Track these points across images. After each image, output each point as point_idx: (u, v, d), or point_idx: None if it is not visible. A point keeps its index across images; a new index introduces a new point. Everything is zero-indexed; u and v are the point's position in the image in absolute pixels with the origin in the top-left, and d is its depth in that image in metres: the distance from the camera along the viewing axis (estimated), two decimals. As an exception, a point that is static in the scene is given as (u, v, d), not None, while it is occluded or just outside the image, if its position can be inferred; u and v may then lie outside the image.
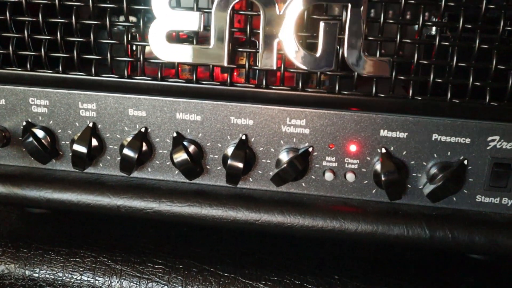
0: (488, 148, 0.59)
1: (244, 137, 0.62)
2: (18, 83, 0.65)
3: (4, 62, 0.65)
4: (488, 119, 0.58)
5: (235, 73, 0.65)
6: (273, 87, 0.61)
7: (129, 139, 0.63)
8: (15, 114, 0.65)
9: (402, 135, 0.59)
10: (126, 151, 0.62)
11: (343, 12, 0.57)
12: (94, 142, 0.64)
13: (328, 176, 0.62)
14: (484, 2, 0.55)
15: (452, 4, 0.56)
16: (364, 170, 0.61)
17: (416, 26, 0.58)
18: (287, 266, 0.64)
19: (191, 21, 0.58)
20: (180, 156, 0.61)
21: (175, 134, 0.63)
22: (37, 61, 0.64)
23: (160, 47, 0.59)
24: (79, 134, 0.63)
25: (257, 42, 0.60)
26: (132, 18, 0.62)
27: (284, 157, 0.61)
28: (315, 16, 0.58)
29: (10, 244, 0.67)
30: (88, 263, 0.65)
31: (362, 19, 0.56)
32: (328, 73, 0.59)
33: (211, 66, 0.61)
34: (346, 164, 0.61)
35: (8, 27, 0.63)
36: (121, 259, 0.65)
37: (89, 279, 0.64)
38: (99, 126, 0.64)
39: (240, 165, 0.60)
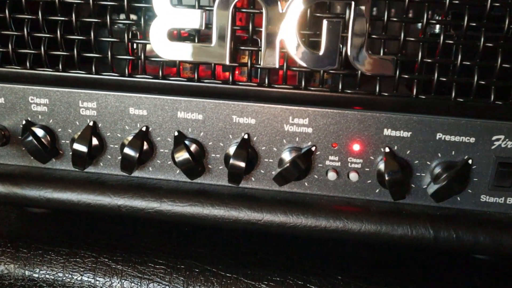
0: (493, 147, 0.58)
1: (246, 136, 0.61)
2: (18, 81, 0.64)
3: (4, 60, 0.64)
4: (493, 118, 0.58)
5: (236, 72, 0.64)
6: (276, 86, 0.61)
7: (130, 138, 0.62)
8: (14, 113, 0.65)
9: (406, 134, 0.59)
10: (127, 150, 0.61)
11: (346, 10, 0.56)
12: (95, 141, 0.64)
13: (331, 175, 0.61)
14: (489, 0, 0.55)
15: (457, 2, 0.56)
16: (368, 169, 0.61)
17: (419, 24, 0.57)
18: (290, 266, 0.64)
19: (192, 19, 0.58)
20: (182, 155, 0.61)
21: (176, 133, 0.62)
22: (37, 59, 0.63)
23: (161, 45, 0.59)
24: (79, 133, 0.63)
25: (259, 40, 0.59)
26: (133, 16, 0.62)
27: (287, 156, 0.61)
28: (318, 14, 0.57)
29: (10, 244, 0.67)
30: (88, 263, 0.64)
31: (366, 17, 0.55)
32: (331, 71, 0.59)
33: (212, 64, 0.61)
34: (349, 164, 0.61)
35: (8, 25, 0.63)
36: (122, 259, 0.64)
37: (89, 279, 0.63)
38: (99, 125, 0.64)
39: (242, 164, 0.59)
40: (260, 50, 0.58)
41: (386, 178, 0.58)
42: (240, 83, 0.61)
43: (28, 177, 0.66)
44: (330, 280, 0.61)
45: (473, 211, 0.60)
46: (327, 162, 0.61)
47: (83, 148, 0.61)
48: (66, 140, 0.65)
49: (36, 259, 0.65)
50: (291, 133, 0.61)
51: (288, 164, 0.59)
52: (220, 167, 0.63)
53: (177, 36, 0.61)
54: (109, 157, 0.65)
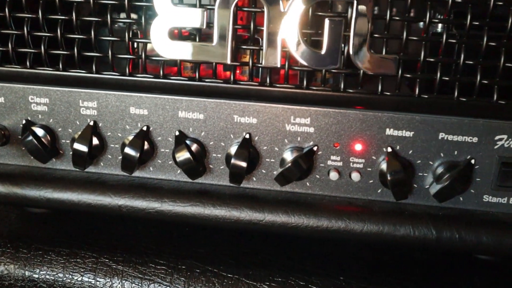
0: (496, 147, 0.58)
1: (247, 136, 0.61)
2: (18, 80, 0.64)
3: (3, 59, 0.64)
4: (496, 117, 0.57)
5: (237, 71, 0.64)
6: (277, 85, 0.60)
7: (130, 137, 0.62)
8: (14, 112, 0.65)
9: (408, 134, 0.59)
10: (127, 150, 0.61)
11: (348, 9, 0.56)
12: (95, 141, 0.63)
13: (333, 175, 0.61)
14: (492, -1, 0.55)
15: (459, 0, 0.55)
16: (370, 169, 0.60)
17: (421, 23, 0.57)
18: (292, 266, 0.63)
19: (193, 18, 0.58)
20: (183, 155, 0.60)
21: (177, 133, 0.62)
22: (37, 58, 0.63)
23: (162, 45, 0.59)
24: (79, 133, 0.63)
25: (260, 39, 0.59)
26: (133, 15, 0.61)
27: (288, 156, 0.60)
28: (320, 13, 0.57)
29: (10, 244, 0.66)
30: (89, 263, 0.64)
31: (368, 16, 0.55)
32: (333, 71, 0.58)
33: (214, 63, 0.60)
34: (351, 164, 0.61)
35: (7, 24, 0.62)
36: (122, 259, 0.64)
37: (90, 280, 0.63)
38: (100, 124, 0.64)
39: (244, 164, 0.59)
40: (262, 49, 0.58)
41: (388, 178, 0.57)
42: (242, 83, 0.61)
43: (28, 177, 0.65)
44: (332, 281, 0.61)
45: (476, 211, 0.60)
46: (329, 162, 0.61)
47: (83, 148, 0.61)
48: (67, 139, 0.65)
49: (36, 260, 0.65)
50: (292, 133, 0.60)
51: (289, 164, 0.59)
52: (221, 167, 0.63)
53: (178, 35, 0.61)
54: (110, 157, 0.65)
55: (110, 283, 0.62)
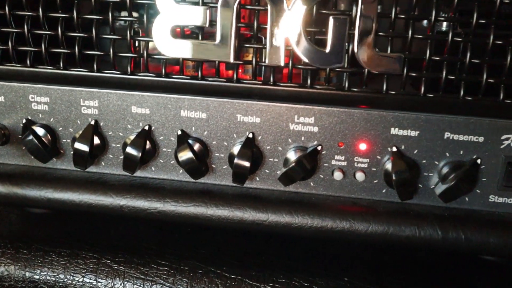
0: (502, 146, 0.57)
1: (251, 135, 0.60)
2: (18, 79, 0.64)
3: (4, 58, 0.63)
4: (502, 117, 0.57)
5: (240, 70, 0.63)
6: (281, 84, 0.60)
7: (132, 137, 0.62)
8: (14, 112, 0.64)
9: (414, 133, 0.58)
10: (129, 149, 0.60)
11: (352, 7, 0.55)
12: (96, 140, 0.63)
13: (337, 175, 0.60)
14: (499, -4, 0.54)
15: (466, -2, 0.55)
16: (374, 169, 0.60)
17: (425, 22, 0.56)
18: (295, 267, 0.63)
19: (196, 16, 0.57)
20: (185, 154, 0.60)
21: (179, 132, 0.61)
22: (37, 57, 0.62)
23: (164, 43, 0.58)
24: (80, 132, 0.62)
25: (263, 38, 0.59)
26: (135, 13, 0.61)
27: (292, 156, 0.60)
28: (324, 11, 0.57)
29: (10, 245, 0.66)
30: (90, 264, 0.63)
31: (373, 14, 0.55)
32: (338, 69, 0.58)
33: (216, 62, 0.60)
34: (355, 163, 0.60)
35: (8, 22, 0.62)
36: (124, 260, 0.64)
37: (91, 281, 0.62)
38: (101, 123, 0.63)
39: (247, 164, 0.58)
40: (265, 48, 0.57)
41: (393, 178, 0.57)
42: (245, 81, 0.60)
43: (28, 177, 0.65)
44: (336, 282, 0.61)
45: (482, 212, 0.60)
46: (333, 162, 0.60)
47: (84, 148, 0.61)
48: (67, 139, 0.64)
49: (37, 260, 0.64)
50: (296, 132, 0.60)
51: (293, 164, 0.58)
52: (224, 167, 0.63)
53: (180, 33, 0.60)
54: (111, 156, 0.64)
55: (112, 284, 0.62)
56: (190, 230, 0.70)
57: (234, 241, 0.68)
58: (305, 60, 0.57)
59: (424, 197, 0.60)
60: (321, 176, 0.61)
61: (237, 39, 0.57)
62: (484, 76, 0.56)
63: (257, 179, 0.62)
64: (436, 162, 0.59)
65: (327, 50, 0.56)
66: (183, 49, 0.58)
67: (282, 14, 0.55)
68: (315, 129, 0.60)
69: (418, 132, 0.58)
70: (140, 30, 0.64)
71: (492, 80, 0.56)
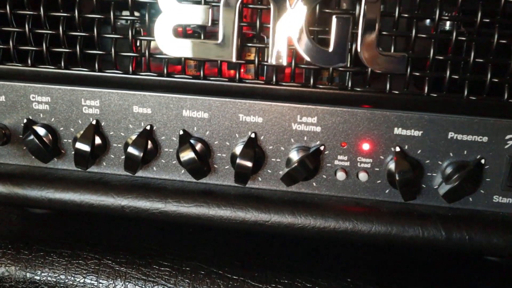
0: (506, 146, 0.57)
1: (253, 135, 0.60)
2: (19, 79, 0.63)
3: (4, 57, 0.63)
4: (506, 116, 0.57)
5: (242, 70, 0.63)
6: (283, 84, 0.59)
7: (133, 137, 0.61)
8: (15, 111, 0.64)
9: (417, 133, 0.58)
10: (130, 149, 0.60)
11: (356, 6, 0.55)
12: (98, 140, 0.63)
13: (340, 175, 0.60)
14: (503, -5, 0.54)
15: (471, -3, 0.55)
16: (378, 169, 0.60)
17: (428, 22, 0.56)
18: (298, 268, 0.63)
19: (198, 15, 0.57)
20: (187, 154, 0.59)
21: (181, 132, 0.61)
22: (39, 56, 0.62)
23: (166, 42, 0.58)
24: (82, 132, 0.62)
25: (265, 37, 0.58)
26: (137, 12, 0.60)
27: (295, 156, 0.60)
28: (327, 10, 0.56)
29: (11, 245, 0.65)
30: (91, 265, 0.63)
31: (376, 13, 0.54)
32: (341, 69, 0.57)
33: (219, 62, 0.59)
34: (358, 163, 0.60)
35: (9, 21, 0.61)
36: (125, 261, 0.63)
37: (92, 282, 0.62)
38: (102, 123, 0.63)
39: (249, 164, 0.58)
40: (268, 47, 0.57)
41: (397, 178, 0.56)
42: (247, 81, 0.60)
43: (29, 177, 0.65)
44: (339, 283, 0.60)
45: (486, 212, 0.59)
46: (336, 162, 0.60)
47: (85, 147, 0.60)
48: (68, 139, 0.64)
49: (38, 261, 0.64)
50: (299, 132, 0.60)
51: (296, 164, 0.58)
52: (226, 167, 0.62)
53: (182, 33, 0.60)
54: (113, 156, 0.64)
55: (113, 285, 0.62)
56: (192, 230, 0.70)
57: (236, 241, 0.68)
58: (308, 59, 0.56)
59: (427, 197, 0.60)
60: (324, 176, 0.61)
61: (239, 38, 0.57)
62: (488, 76, 0.56)
63: (260, 179, 0.62)
64: (440, 162, 0.58)
65: (330, 49, 0.56)
66: (185, 49, 0.58)
67: (284, 13, 0.55)
68: (318, 129, 0.59)
69: (422, 132, 0.58)
70: (141, 29, 0.63)
71: (496, 80, 0.56)
